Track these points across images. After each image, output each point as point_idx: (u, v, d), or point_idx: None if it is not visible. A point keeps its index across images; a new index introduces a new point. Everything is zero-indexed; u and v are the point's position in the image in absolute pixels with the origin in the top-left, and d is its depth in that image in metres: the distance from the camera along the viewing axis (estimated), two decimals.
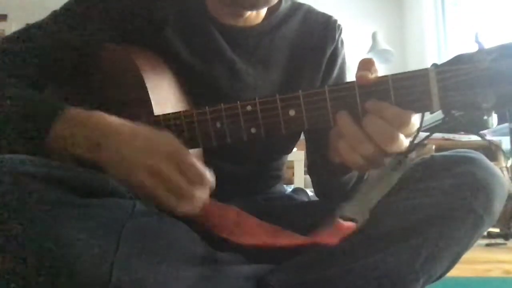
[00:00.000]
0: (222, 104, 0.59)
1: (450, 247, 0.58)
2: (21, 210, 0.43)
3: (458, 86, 0.51)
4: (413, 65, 3.75)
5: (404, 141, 0.55)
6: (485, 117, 0.51)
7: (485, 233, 1.99)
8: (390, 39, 3.64)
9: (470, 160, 0.62)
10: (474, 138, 2.45)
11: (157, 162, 0.53)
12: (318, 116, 0.56)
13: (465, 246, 0.60)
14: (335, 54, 0.84)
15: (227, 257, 0.58)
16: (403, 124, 0.53)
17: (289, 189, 0.99)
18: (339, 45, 0.84)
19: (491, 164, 0.62)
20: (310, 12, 0.84)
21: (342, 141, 0.56)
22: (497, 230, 2.23)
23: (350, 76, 0.81)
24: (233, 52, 0.76)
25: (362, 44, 3.54)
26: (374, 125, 0.54)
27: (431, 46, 3.60)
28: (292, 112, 0.57)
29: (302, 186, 2.02)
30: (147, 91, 0.64)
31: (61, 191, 0.46)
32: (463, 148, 0.68)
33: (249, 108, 0.58)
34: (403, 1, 3.98)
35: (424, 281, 0.57)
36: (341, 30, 0.85)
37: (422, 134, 0.58)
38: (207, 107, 0.60)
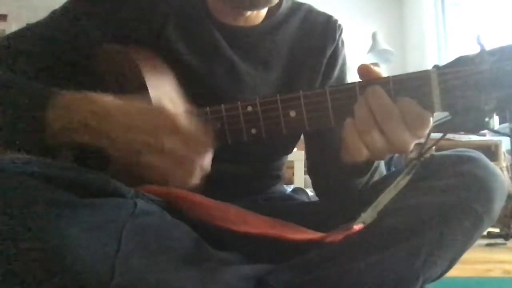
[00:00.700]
0: (222, 105, 0.59)
1: (450, 247, 0.58)
2: (22, 210, 0.43)
3: (460, 88, 0.51)
4: (413, 65, 3.77)
5: (412, 141, 0.54)
6: (486, 119, 0.51)
7: (485, 233, 1.99)
8: (390, 39, 3.65)
9: (470, 160, 0.62)
10: (474, 138, 2.45)
11: (158, 139, 0.52)
12: (319, 117, 0.56)
13: (465, 246, 0.60)
14: (335, 54, 0.83)
15: (227, 257, 0.58)
16: (420, 124, 0.53)
17: (289, 189, 0.99)
18: (340, 45, 0.84)
19: (491, 163, 0.63)
20: (310, 12, 0.84)
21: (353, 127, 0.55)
22: (497, 230, 2.23)
23: (351, 76, 0.81)
24: (233, 52, 0.76)
25: (362, 44, 3.54)
26: (387, 113, 0.53)
27: (431, 46, 3.60)
28: (292, 113, 0.57)
29: (302, 186, 2.02)
30: (148, 91, 0.64)
31: (62, 190, 0.46)
32: (463, 148, 0.68)
33: (249, 108, 0.58)
34: (403, 1, 3.98)
35: (424, 280, 0.57)
36: (341, 30, 0.84)
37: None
38: (207, 108, 0.60)
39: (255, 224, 0.62)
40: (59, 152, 0.62)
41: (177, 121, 0.53)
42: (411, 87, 0.53)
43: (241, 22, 0.77)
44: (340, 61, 0.84)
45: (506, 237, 2.22)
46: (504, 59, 0.50)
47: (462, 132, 2.37)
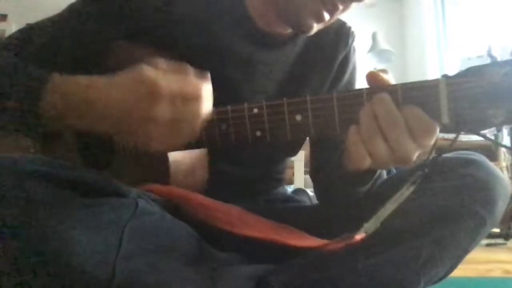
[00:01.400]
0: (229, 106, 0.59)
1: (451, 249, 0.58)
2: (23, 209, 0.43)
3: (468, 99, 0.49)
4: (413, 65, 3.77)
5: (416, 151, 0.53)
6: (495, 132, 0.50)
7: None
8: (390, 39, 3.64)
9: (472, 162, 0.62)
10: (474, 138, 2.45)
11: (145, 108, 0.50)
12: (325, 122, 0.55)
13: (467, 248, 0.60)
14: (346, 59, 0.84)
15: (227, 257, 0.58)
16: (430, 134, 0.52)
17: (289, 189, 0.99)
18: (352, 51, 0.85)
19: (493, 166, 0.62)
20: None
21: (359, 139, 0.54)
22: (497, 230, 2.23)
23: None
24: (250, 53, 0.75)
25: (362, 44, 3.54)
26: (392, 123, 0.52)
27: (431, 46, 3.60)
28: (298, 117, 0.56)
29: (302, 186, 2.02)
30: None
31: (64, 190, 0.46)
32: (463, 148, 0.67)
33: (255, 111, 0.57)
34: (403, 1, 3.98)
35: (425, 282, 0.57)
36: (354, 37, 0.84)
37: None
38: (214, 108, 0.60)
39: (256, 227, 0.62)
40: (60, 138, 0.61)
41: (157, 84, 0.50)
42: (419, 96, 0.52)
43: (275, 29, 0.75)
44: (350, 66, 0.85)
45: (506, 237, 2.23)
46: None
47: (462, 132, 2.37)
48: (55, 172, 0.47)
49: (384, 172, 0.73)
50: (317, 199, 0.86)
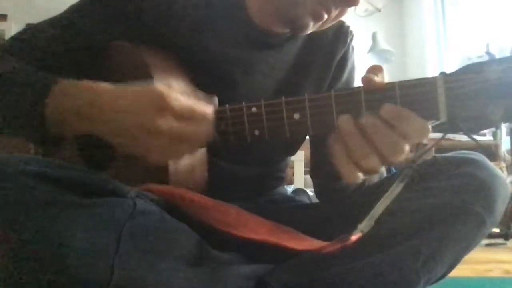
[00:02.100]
0: (227, 105, 0.59)
1: (451, 249, 0.58)
2: (21, 209, 0.43)
3: (466, 96, 0.49)
4: (413, 65, 3.77)
5: (408, 151, 0.52)
6: (493, 129, 0.50)
7: None
8: (390, 39, 3.64)
9: (472, 162, 0.62)
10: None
11: (150, 118, 0.50)
12: (323, 121, 0.55)
13: (467, 248, 0.60)
14: (345, 58, 0.84)
15: (227, 257, 0.58)
16: (422, 136, 0.50)
17: (289, 189, 0.99)
18: (350, 50, 0.85)
19: (493, 165, 0.62)
20: None
21: (340, 148, 0.53)
22: (497, 230, 2.23)
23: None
24: (249, 52, 0.75)
25: (362, 44, 3.54)
26: (383, 135, 0.50)
27: (431, 46, 3.60)
28: (297, 116, 0.56)
29: (302, 186, 2.02)
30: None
31: (62, 190, 0.46)
32: (463, 148, 0.68)
33: (254, 110, 0.57)
34: (403, 1, 3.98)
35: (425, 281, 0.57)
36: (352, 36, 0.85)
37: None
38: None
39: (255, 228, 0.62)
40: (62, 142, 0.61)
41: (166, 97, 0.50)
42: (417, 93, 0.52)
43: (275, 29, 0.75)
44: (349, 65, 0.85)
45: (506, 237, 2.23)
46: None
47: (462, 132, 2.37)
48: (53, 172, 0.47)
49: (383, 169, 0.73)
50: (317, 197, 0.87)
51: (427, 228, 0.57)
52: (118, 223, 0.47)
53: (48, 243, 0.42)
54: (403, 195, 0.60)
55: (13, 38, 0.71)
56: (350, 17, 0.76)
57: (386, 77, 0.54)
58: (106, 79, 0.55)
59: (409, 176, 0.55)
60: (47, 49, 0.69)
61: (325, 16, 0.68)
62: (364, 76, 0.53)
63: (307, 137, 0.86)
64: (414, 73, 3.64)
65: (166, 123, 0.50)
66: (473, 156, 0.63)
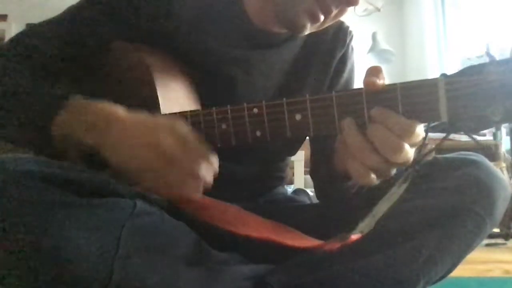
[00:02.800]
0: (229, 106, 0.59)
1: (451, 249, 0.58)
2: (21, 210, 0.43)
3: (467, 97, 0.50)
4: (413, 66, 3.77)
5: (410, 151, 0.52)
6: (494, 130, 0.50)
7: None
8: (390, 39, 3.64)
9: (472, 163, 0.62)
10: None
11: (158, 138, 0.53)
12: (324, 122, 0.55)
13: (467, 248, 0.60)
14: (344, 58, 0.84)
15: (226, 257, 0.58)
16: (407, 134, 0.51)
17: (289, 189, 0.99)
18: (349, 50, 0.85)
19: (493, 166, 0.62)
20: None
21: (346, 150, 0.54)
22: (497, 230, 2.23)
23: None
24: (249, 52, 0.75)
25: (362, 44, 3.54)
26: (378, 134, 0.52)
27: (431, 46, 3.60)
28: (298, 117, 0.56)
29: (302, 186, 2.02)
30: (156, 90, 0.64)
31: (62, 190, 0.46)
32: (463, 148, 0.68)
33: (255, 110, 0.57)
34: (403, 1, 3.98)
35: (425, 282, 0.57)
36: (352, 36, 0.85)
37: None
38: (214, 108, 0.60)
39: (254, 227, 0.62)
40: (65, 153, 0.62)
41: (182, 126, 0.54)
42: (417, 95, 0.52)
43: (271, 29, 0.76)
44: (349, 66, 0.85)
45: (506, 237, 2.23)
46: None
47: (462, 132, 2.37)
48: (53, 172, 0.47)
49: None
50: (317, 197, 0.87)
51: (427, 229, 0.57)
52: (118, 223, 0.47)
53: (47, 243, 0.42)
54: (403, 195, 0.60)
55: (12, 39, 0.71)
56: (350, 17, 0.76)
57: (386, 77, 0.54)
58: (106, 79, 0.55)
59: (410, 178, 0.55)
60: (47, 50, 0.69)
61: (322, 18, 0.68)
62: (366, 79, 0.53)
63: (307, 137, 0.86)
64: (414, 73, 3.64)
65: (170, 145, 0.53)
66: (473, 157, 0.63)
